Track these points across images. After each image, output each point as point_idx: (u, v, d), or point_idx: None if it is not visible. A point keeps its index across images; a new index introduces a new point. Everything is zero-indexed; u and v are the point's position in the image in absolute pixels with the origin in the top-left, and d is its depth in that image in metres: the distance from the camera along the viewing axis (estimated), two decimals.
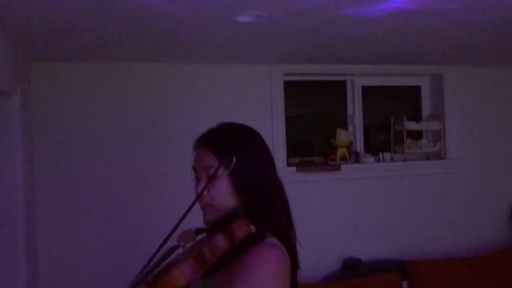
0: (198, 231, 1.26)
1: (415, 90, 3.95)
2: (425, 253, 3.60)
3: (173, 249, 1.20)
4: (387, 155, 3.70)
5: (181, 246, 1.21)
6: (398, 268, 3.34)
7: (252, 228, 1.20)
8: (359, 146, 3.72)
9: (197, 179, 1.29)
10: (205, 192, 1.24)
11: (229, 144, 1.26)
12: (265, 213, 1.24)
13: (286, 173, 3.30)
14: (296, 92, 3.66)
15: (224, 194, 1.24)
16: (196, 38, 2.53)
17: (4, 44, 2.12)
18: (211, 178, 1.23)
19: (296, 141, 3.87)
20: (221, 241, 1.15)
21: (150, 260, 1.15)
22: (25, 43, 2.44)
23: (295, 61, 3.35)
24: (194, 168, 1.30)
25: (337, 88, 3.79)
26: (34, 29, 2.18)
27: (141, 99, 3.13)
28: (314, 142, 4.06)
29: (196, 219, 1.28)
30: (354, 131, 3.72)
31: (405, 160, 3.66)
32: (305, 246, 3.62)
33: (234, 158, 1.22)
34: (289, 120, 3.45)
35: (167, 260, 1.16)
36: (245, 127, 1.36)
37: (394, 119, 3.73)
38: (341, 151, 3.55)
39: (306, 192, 3.39)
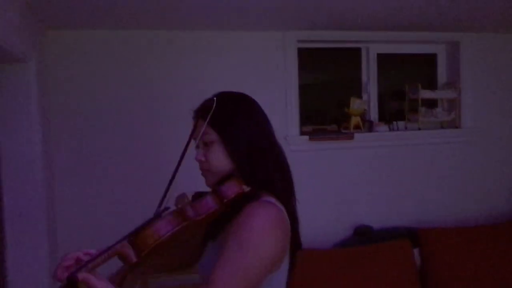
0: (197, 194, 1.31)
1: (431, 58, 3.89)
2: (436, 222, 3.62)
3: (162, 211, 1.24)
4: (401, 123, 3.68)
5: (177, 207, 1.25)
6: (409, 235, 3.37)
7: (245, 187, 1.25)
8: (373, 114, 3.70)
9: (197, 147, 1.37)
10: (202, 158, 1.34)
11: (220, 111, 1.32)
12: (259, 175, 1.29)
13: (299, 142, 3.32)
14: (309, 59, 3.63)
15: (218, 159, 1.31)
16: (210, 3, 2.51)
17: (20, 11, 2.13)
18: (206, 144, 1.33)
19: (309, 110, 3.88)
20: (208, 200, 1.22)
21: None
22: (40, 10, 2.45)
23: (309, 28, 3.31)
24: (193, 138, 1.37)
25: (351, 56, 3.75)
26: None
27: (153, 66, 3.14)
28: (327, 110, 4.05)
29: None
30: (368, 100, 3.70)
31: (419, 128, 3.64)
32: (317, 213, 3.68)
33: (227, 127, 1.30)
34: (302, 88, 3.43)
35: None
36: (239, 94, 1.42)
37: (409, 87, 3.69)
38: (354, 120, 3.54)
39: (319, 160, 3.41)
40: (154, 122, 3.14)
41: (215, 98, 1.37)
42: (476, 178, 3.75)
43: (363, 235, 3.40)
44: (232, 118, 1.33)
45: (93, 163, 3.07)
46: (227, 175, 1.31)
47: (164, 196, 1.24)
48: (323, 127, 3.64)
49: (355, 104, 3.54)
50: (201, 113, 1.37)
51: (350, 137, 3.45)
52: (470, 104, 3.71)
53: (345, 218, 3.48)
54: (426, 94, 3.63)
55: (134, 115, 3.12)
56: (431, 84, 3.87)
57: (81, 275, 1.07)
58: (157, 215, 1.20)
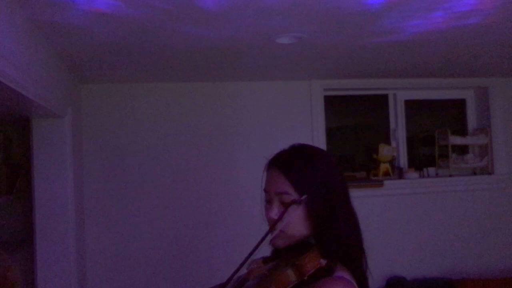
0: (265, 260, 1.22)
1: (460, 103, 3.86)
2: (472, 272, 3.49)
3: (242, 282, 1.18)
4: (431, 170, 3.62)
5: (250, 277, 1.19)
6: (444, 287, 3.25)
7: (322, 261, 1.14)
8: (403, 161, 3.66)
9: (268, 202, 1.23)
10: (275, 218, 1.19)
11: (305, 172, 1.20)
12: (339, 243, 1.17)
13: None
14: (337, 104, 3.65)
15: (297, 222, 1.18)
16: (239, 59, 2.58)
17: (56, 68, 2.23)
18: (287, 205, 1.18)
19: (337, 155, 3.86)
20: (289, 277, 1.11)
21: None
22: (76, 66, 2.56)
23: (335, 77, 3.35)
24: (265, 190, 1.24)
25: (379, 101, 3.75)
26: (85, 52, 2.28)
27: (186, 117, 3.22)
28: (355, 156, 4.03)
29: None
30: (397, 146, 3.67)
31: (450, 175, 3.57)
32: None
33: (310, 190, 1.17)
34: (329, 132, 3.44)
35: None
36: (319, 151, 1.29)
37: (439, 133, 3.65)
38: (384, 167, 3.51)
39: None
40: (188, 173, 3.19)
41: (294, 151, 1.25)
42: (510, 227, 3.62)
43: (396, 287, 3.30)
44: (313, 177, 1.19)
45: (126, 220, 3.10)
46: (300, 241, 1.19)
47: (241, 266, 1.14)
48: (352, 174, 3.61)
49: (384, 151, 3.52)
50: (279, 166, 1.21)
51: (380, 184, 3.41)
52: (502, 150, 3.64)
53: (377, 269, 3.35)
54: (456, 140, 3.59)
55: (165, 166, 3.16)
56: (461, 129, 3.82)
57: None
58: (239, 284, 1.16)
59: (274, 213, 1.20)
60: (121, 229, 3.08)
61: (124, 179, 3.10)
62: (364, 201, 3.42)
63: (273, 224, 1.19)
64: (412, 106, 3.73)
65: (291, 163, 1.21)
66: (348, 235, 1.18)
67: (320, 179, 1.19)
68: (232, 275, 1.14)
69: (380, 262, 3.39)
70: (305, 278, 1.11)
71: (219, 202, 3.18)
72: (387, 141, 3.68)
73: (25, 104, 1.92)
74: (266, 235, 1.17)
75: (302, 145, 1.28)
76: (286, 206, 1.17)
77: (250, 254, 1.14)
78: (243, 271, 1.18)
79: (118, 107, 3.14)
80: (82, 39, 2.05)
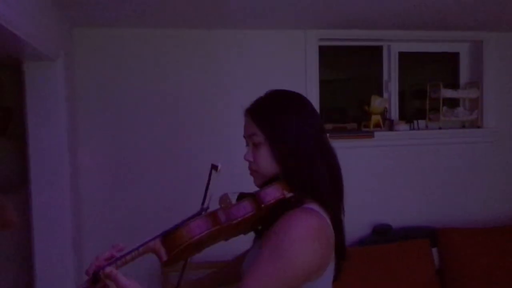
0: (242, 195, 1.29)
1: (453, 57, 3.86)
2: (455, 222, 3.60)
3: (204, 210, 1.24)
4: (422, 122, 3.67)
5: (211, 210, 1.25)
6: (428, 235, 3.37)
7: (286, 193, 1.22)
8: (394, 113, 3.70)
9: (247, 145, 1.34)
10: (250, 159, 1.31)
11: (267, 111, 1.29)
12: (305, 179, 1.24)
13: None
14: (330, 56, 3.63)
15: (265, 160, 1.28)
16: (233, 3, 2.54)
17: (49, 10, 2.19)
18: (255, 145, 1.30)
19: (329, 107, 3.89)
20: (244, 205, 1.20)
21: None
22: (68, 8, 2.51)
23: (331, 27, 3.32)
24: (243, 136, 1.35)
25: (373, 54, 3.74)
26: None
27: (178, 64, 3.19)
28: (347, 108, 4.06)
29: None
30: (389, 98, 3.69)
31: (440, 128, 3.62)
32: None
33: (273, 129, 1.26)
34: (322, 84, 3.44)
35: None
36: (288, 93, 1.36)
37: (431, 86, 3.67)
38: (375, 118, 3.54)
39: (338, 159, 3.42)
40: (181, 121, 3.19)
41: (266, 96, 1.34)
42: (498, 179, 3.72)
43: (381, 234, 3.41)
44: (279, 119, 1.27)
45: (120, 161, 3.13)
46: (273, 177, 1.27)
47: (205, 196, 1.25)
48: (343, 125, 3.64)
49: (376, 102, 3.54)
50: (250, 112, 1.33)
51: (370, 135, 3.45)
52: (492, 104, 3.68)
53: (364, 217, 3.49)
54: (447, 93, 3.61)
55: (161, 114, 3.17)
56: (453, 83, 3.84)
57: (108, 269, 1.08)
58: (195, 215, 1.21)
59: (248, 155, 1.32)
60: (116, 173, 3.12)
61: (117, 124, 3.11)
62: (355, 152, 3.48)
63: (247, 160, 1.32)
64: (406, 60, 3.73)
65: (258, 106, 1.32)
66: (314, 173, 1.25)
67: (281, 117, 1.27)
68: (201, 209, 1.23)
69: (367, 210, 3.49)
70: (262, 206, 1.20)
71: (211, 150, 3.21)
72: (379, 93, 3.70)
73: (16, 45, 1.90)
74: (210, 172, 1.26)
75: (276, 90, 1.37)
76: (257, 146, 1.28)
77: (206, 188, 1.26)
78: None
79: (110, 52, 3.10)
80: None
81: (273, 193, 1.22)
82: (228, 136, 3.24)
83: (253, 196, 1.23)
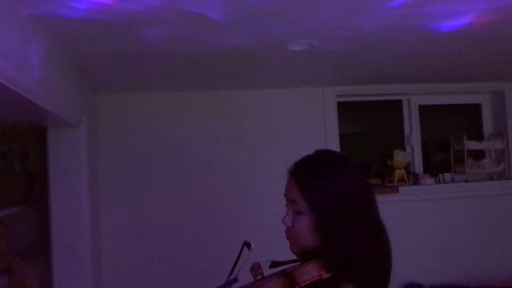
0: (274, 264, 1.22)
1: (475, 108, 3.82)
2: (490, 278, 3.43)
3: (231, 282, 1.18)
4: (447, 175, 3.58)
5: (253, 277, 1.17)
6: None
7: (324, 274, 1.11)
8: (418, 166, 3.63)
9: (286, 207, 1.24)
10: (289, 224, 1.20)
11: (313, 178, 1.17)
12: (345, 258, 1.12)
13: None
14: (350, 110, 3.63)
15: (305, 230, 1.17)
16: (252, 66, 2.59)
17: (70, 77, 2.26)
18: (296, 213, 1.19)
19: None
20: (277, 284, 1.11)
21: None
22: (90, 75, 2.59)
23: (348, 83, 3.34)
24: (284, 195, 1.24)
25: (393, 107, 3.73)
26: (99, 61, 2.31)
27: (200, 124, 3.23)
28: (369, 162, 4.00)
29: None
30: (411, 151, 3.64)
31: (466, 181, 3.53)
32: None
33: (317, 201, 1.15)
34: (343, 138, 3.43)
35: None
36: (341, 160, 1.23)
37: (454, 138, 3.62)
38: (399, 173, 3.48)
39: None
40: (203, 182, 3.20)
41: (309, 157, 1.23)
42: None
43: None
44: (325, 188, 1.14)
45: (141, 224, 3.12)
46: (312, 250, 1.16)
47: (232, 269, 1.17)
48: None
49: (399, 157, 3.49)
50: (293, 174, 1.21)
51: (395, 190, 3.38)
52: None
53: (394, 276, 3.34)
54: (472, 145, 3.55)
55: (182, 176, 3.18)
56: (477, 134, 3.78)
57: None
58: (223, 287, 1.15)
59: (287, 219, 1.21)
60: (137, 239, 3.10)
61: (138, 187, 3.12)
62: (380, 208, 3.38)
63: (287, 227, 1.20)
64: (426, 111, 3.70)
65: (304, 171, 1.20)
66: (356, 250, 1.12)
67: (332, 191, 1.14)
68: (230, 280, 1.16)
69: (396, 269, 3.34)
70: (296, 287, 1.09)
71: (235, 210, 3.18)
72: (402, 147, 3.65)
73: (40, 114, 1.95)
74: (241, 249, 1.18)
75: (325, 152, 1.26)
76: (298, 214, 1.18)
77: (235, 262, 1.17)
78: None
79: (132, 116, 3.16)
80: (96, 48, 2.08)
81: (311, 273, 1.11)
82: (253, 194, 3.21)
83: (287, 274, 1.12)
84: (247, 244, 1.20)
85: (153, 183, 3.14)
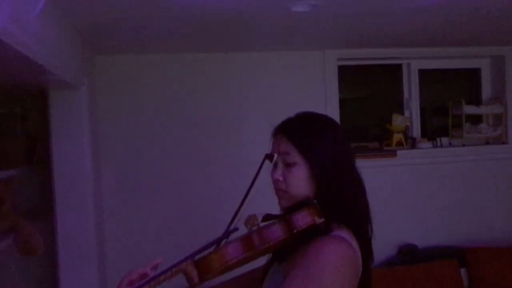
0: (267, 217, 1.25)
1: (474, 73, 3.82)
2: (483, 241, 3.51)
3: (231, 231, 1.21)
4: (444, 140, 3.62)
5: (247, 229, 1.21)
6: (456, 255, 3.29)
7: (317, 219, 1.18)
8: (416, 131, 3.66)
9: (274, 165, 1.28)
10: (280, 178, 1.26)
11: (307, 132, 1.26)
12: (339, 203, 1.22)
13: None
14: (350, 74, 3.62)
15: (299, 182, 1.24)
16: (252, 28, 2.57)
17: (72, 39, 2.24)
18: (288, 165, 1.25)
19: (350, 126, 3.86)
20: (275, 230, 1.16)
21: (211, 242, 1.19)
22: (90, 36, 2.56)
23: (349, 46, 3.32)
24: (270, 154, 1.29)
25: (392, 71, 3.73)
26: (99, 23, 2.28)
27: (199, 87, 3.23)
28: (368, 127, 4.03)
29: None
30: (410, 116, 3.66)
31: (463, 145, 3.57)
32: None
33: (312, 151, 1.23)
34: (342, 103, 3.43)
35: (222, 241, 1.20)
36: (324, 116, 1.34)
37: (452, 103, 3.63)
38: (397, 137, 3.50)
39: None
40: (202, 144, 3.21)
41: (299, 117, 1.30)
42: None
43: (407, 254, 3.34)
44: (319, 140, 1.24)
45: (141, 185, 3.15)
46: (303, 200, 1.23)
47: (235, 215, 1.21)
48: (365, 144, 3.61)
49: (397, 121, 3.51)
50: (283, 130, 1.27)
51: (393, 154, 3.41)
52: None
53: (389, 237, 3.42)
54: (470, 109, 3.57)
55: (179, 136, 3.19)
56: (475, 99, 3.79)
57: None
58: (225, 236, 1.18)
59: (278, 173, 1.27)
60: (136, 197, 3.14)
61: (138, 149, 3.14)
62: (378, 171, 3.44)
63: (276, 180, 1.27)
64: (426, 76, 3.70)
65: (292, 126, 1.27)
66: (349, 199, 1.23)
67: (322, 143, 1.24)
68: (229, 230, 1.19)
69: (392, 230, 3.43)
70: (294, 232, 1.16)
71: (230, 169, 3.20)
72: (400, 111, 3.67)
73: (41, 74, 1.94)
74: (252, 185, 1.24)
75: (307, 112, 1.33)
76: (289, 166, 1.24)
77: (239, 207, 1.22)
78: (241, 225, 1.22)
79: (132, 78, 3.15)
80: (96, 8, 2.05)
81: (305, 218, 1.17)
82: (247, 157, 3.24)
83: (285, 220, 1.18)
84: (269, 157, 1.27)
85: (152, 145, 3.16)
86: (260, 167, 1.26)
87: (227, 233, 1.19)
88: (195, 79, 3.22)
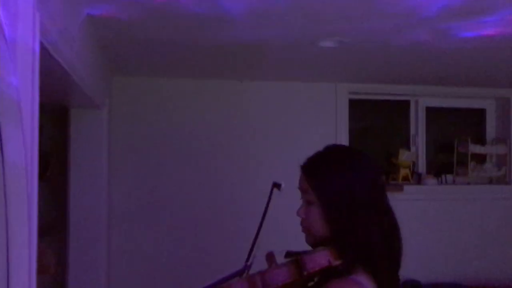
0: (289, 254, 1.23)
1: (480, 113, 3.90)
2: (486, 279, 3.53)
3: (239, 272, 1.20)
4: (449, 177, 3.67)
5: (267, 265, 1.21)
6: None
7: (333, 261, 1.13)
8: (421, 167, 3.70)
9: (302, 199, 1.28)
10: (303, 216, 1.25)
11: (321, 169, 1.23)
12: (355, 245, 1.16)
13: None
14: (359, 107, 3.68)
15: (316, 220, 1.21)
16: (276, 59, 2.63)
17: (97, 57, 2.26)
18: (308, 203, 1.23)
19: None
20: (281, 272, 1.13)
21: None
22: (111, 58, 2.59)
23: (361, 81, 3.40)
24: (299, 188, 1.28)
25: (400, 107, 3.79)
26: (119, 45, 2.31)
27: (213, 113, 3.26)
28: (376, 159, 4.06)
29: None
30: (416, 151, 3.71)
31: (468, 183, 3.61)
32: None
33: (325, 191, 1.20)
34: (350, 135, 3.48)
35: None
36: (348, 150, 1.34)
37: (458, 141, 3.70)
38: (403, 172, 3.55)
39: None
40: (213, 169, 3.23)
41: (322, 152, 1.28)
42: None
43: None
44: (331, 179, 1.20)
45: (152, 206, 3.14)
46: (325, 240, 1.20)
47: (250, 252, 1.21)
48: None
49: (404, 156, 3.56)
50: (304, 167, 1.26)
51: (400, 189, 3.44)
52: None
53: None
54: (476, 148, 3.63)
55: (192, 161, 3.20)
56: (479, 138, 3.86)
57: None
58: (238, 273, 1.18)
59: (300, 211, 1.26)
60: (146, 221, 3.12)
61: (149, 172, 3.15)
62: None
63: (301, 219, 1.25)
64: (433, 114, 3.77)
65: (312, 162, 1.26)
66: (368, 240, 1.16)
67: (338, 180, 1.20)
68: (244, 267, 1.19)
69: None
70: (304, 274, 1.11)
71: (241, 203, 3.21)
72: (407, 146, 3.72)
73: (72, 92, 1.96)
74: (260, 226, 1.24)
75: (334, 146, 1.32)
76: (309, 204, 1.23)
77: (252, 245, 1.22)
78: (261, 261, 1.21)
79: (145, 101, 3.18)
80: (124, 30, 2.08)
81: (319, 260, 1.12)
82: (261, 187, 3.24)
83: (296, 261, 1.13)
84: (276, 185, 1.26)
85: (163, 171, 3.16)
86: (270, 196, 1.26)
87: (242, 271, 1.19)
88: (207, 105, 3.26)
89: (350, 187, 1.19)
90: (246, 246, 1.33)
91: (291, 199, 1.34)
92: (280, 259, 1.21)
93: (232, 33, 2.06)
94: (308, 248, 1.27)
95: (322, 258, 1.13)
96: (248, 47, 2.33)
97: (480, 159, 3.78)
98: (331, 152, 1.30)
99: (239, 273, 1.19)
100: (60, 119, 2.80)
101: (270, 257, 1.20)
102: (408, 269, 3.55)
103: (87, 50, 1.90)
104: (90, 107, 2.36)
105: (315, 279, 1.20)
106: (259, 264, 1.22)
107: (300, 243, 1.26)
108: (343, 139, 3.40)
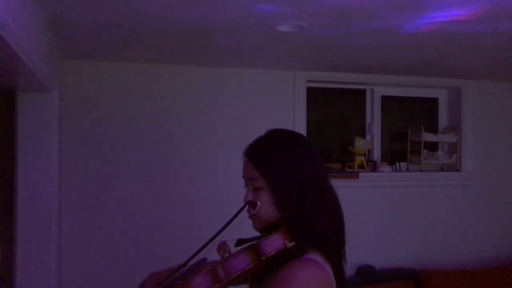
0: (240, 241, 1.25)
1: (433, 102, 4.01)
2: (438, 263, 3.66)
3: (200, 262, 1.20)
4: (403, 164, 3.76)
5: (220, 256, 1.20)
6: (411, 277, 3.40)
7: (288, 243, 1.16)
8: (376, 154, 3.78)
9: (246, 187, 1.30)
10: (255, 201, 1.24)
11: (268, 155, 1.24)
12: (307, 227, 1.19)
13: None
14: (315, 97, 3.71)
15: (265, 206, 1.23)
16: (230, 44, 2.58)
17: (48, 38, 2.16)
18: (255, 189, 1.25)
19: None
20: (242, 260, 1.14)
21: (178, 268, 1.18)
22: (61, 40, 2.48)
23: (319, 69, 3.41)
24: (242, 177, 1.30)
25: (356, 96, 3.85)
26: (71, 26, 2.21)
27: (167, 100, 3.19)
28: (331, 148, 4.11)
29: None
30: (371, 140, 3.77)
31: (421, 170, 3.71)
32: None
33: (274, 175, 1.21)
34: (308, 124, 3.50)
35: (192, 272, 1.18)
36: (290, 134, 1.33)
37: (412, 130, 3.79)
38: (359, 159, 3.60)
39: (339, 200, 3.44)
40: (168, 156, 3.17)
41: (266, 138, 1.29)
42: (476, 221, 3.82)
43: (365, 275, 3.41)
44: (279, 163, 1.22)
45: (104, 195, 3.06)
46: (274, 223, 1.22)
47: (204, 246, 1.18)
48: (328, 165, 3.68)
49: (360, 144, 3.61)
50: (249, 153, 1.26)
51: (356, 176, 3.50)
52: (470, 148, 3.81)
53: (348, 257, 3.47)
54: (428, 137, 3.73)
55: (148, 148, 3.13)
56: (432, 126, 3.97)
57: None
58: (194, 267, 1.17)
59: (249, 197, 1.26)
60: (98, 209, 3.04)
61: (102, 159, 3.05)
62: (339, 192, 3.48)
63: (244, 205, 1.25)
64: (388, 102, 3.85)
65: (258, 149, 1.26)
66: (318, 221, 1.19)
67: (286, 164, 1.22)
68: (192, 257, 1.18)
69: (352, 251, 3.46)
70: (263, 258, 1.14)
71: (197, 187, 3.19)
72: (362, 135, 3.78)
73: (18, 73, 1.85)
74: (230, 222, 1.20)
75: (276, 131, 1.32)
76: (257, 190, 1.23)
77: (217, 233, 1.19)
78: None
79: (99, 86, 3.07)
80: (77, 11, 1.99)
81: (274, 244, 1.15)
82: (216, 173, 3.23)
83: (253, 247, 1.15)
84: (252, 204, 1.23)
85: (116, 157, 3.08)
86: (238, 211, 1.23)
87: (196, 264, 1.18)
88: (166, 90, 3.19)
89: (297, 169, 1.22)
90: (201, 233, 1.29)
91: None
92: (232, 248, 1.20)
93: (180, 15, 1.99)
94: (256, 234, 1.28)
95: (278, 241, 1.16)
96: (197, 31, 2.27)
97: (433, 147, 3.90)
98: (275, 137, 1.31)
99: (195, 268, 1.18)
100: (8, 103, 2.67)
101: (222, 247, 1.18)
102: (362, 254, 3.69)
103: (36, 29, 1.81)
104: (39, 90, 2.25)
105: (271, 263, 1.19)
106: (210, 255, 1.20)
107: (241, 231, 1.23)
108: (301, 128, 3.41)
